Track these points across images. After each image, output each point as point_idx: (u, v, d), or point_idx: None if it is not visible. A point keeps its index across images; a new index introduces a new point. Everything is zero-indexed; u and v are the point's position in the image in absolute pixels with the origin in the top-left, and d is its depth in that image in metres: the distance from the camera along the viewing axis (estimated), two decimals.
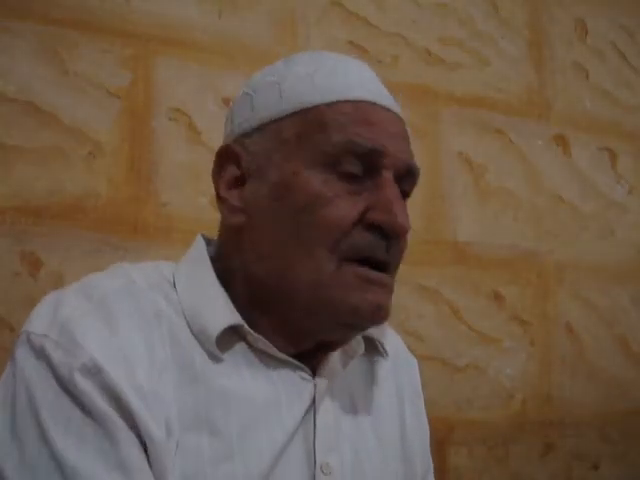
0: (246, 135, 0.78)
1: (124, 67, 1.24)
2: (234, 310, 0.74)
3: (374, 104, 0.75)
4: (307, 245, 0.72)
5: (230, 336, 0.73)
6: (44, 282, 1.14)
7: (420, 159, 1.64)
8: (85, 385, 0.66)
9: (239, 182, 0.78)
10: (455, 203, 1.52)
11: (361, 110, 0.74)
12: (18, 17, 1.17)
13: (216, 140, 1.30)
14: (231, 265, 0.77)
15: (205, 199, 1.26)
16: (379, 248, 0.72)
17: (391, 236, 0.72)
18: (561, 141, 1.67)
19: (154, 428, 0.66)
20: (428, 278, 1.47)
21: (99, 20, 1.23)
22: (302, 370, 0.76)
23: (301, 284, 0.72)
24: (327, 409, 0.77)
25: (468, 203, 1.53)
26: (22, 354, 0.68)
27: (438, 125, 1.53)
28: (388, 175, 0.73)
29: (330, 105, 0.74)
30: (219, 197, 0.79)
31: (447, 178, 1.51)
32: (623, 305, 1.69)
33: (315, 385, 0.76)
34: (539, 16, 1.68)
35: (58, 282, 1.14)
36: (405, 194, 0.77)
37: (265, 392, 0.73)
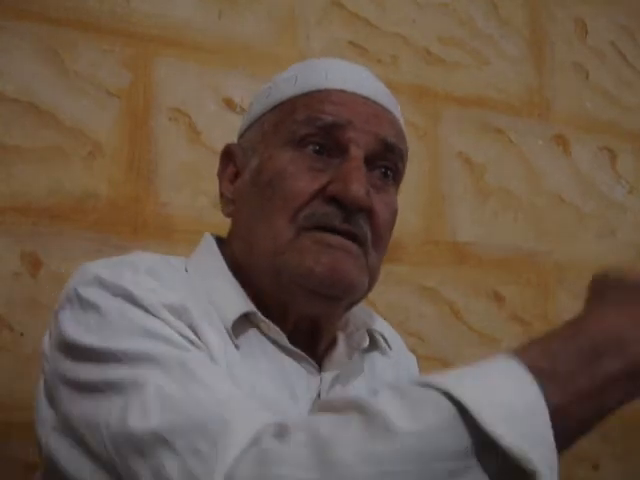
0: (242, 135, 0.84)
1: (124, 67, 1.24)
2: (247, 298, 0.76)
3: (348, 91, 0.77)
4: (268, 216, 0.74)
5: (244, 324, 0.75)
6: (44, 282, 1.14)
7: (420, 159, 1.65)
8: (174, 320, 0.67)
9: (236, 178, 0.82)
10: (455, 203, 1.51)
11: (331, 94, 0.77)
12: (17, 17, 1.17)
13: (216, 140, 1.30)
14: (232, 254, 0.80)
15: (205, 199, 1.26)
16: (336, 217, 0.73)
17: (347, 206, 0.72)
18: (561, 141, 1.67)
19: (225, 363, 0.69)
20: (428, 278, 1.47)
21: (99, 20, 1.23)
22: (309, 363, 0.77)
23: (262, 253, 0.75)
24: None
25: (468, 203, 1.53)
26: (94, 293, 0.69)
27: (438, 125, 1.53)
28: (355, 151, 0.74)
29: (304, 95, 0.77)
30: (220, 194, 0.83)
31: (447, 178, 1.51)
32: None
33: (321, 379, 0.77)
34: (539, 16, 1.68)
35: (58, 282, 1.13)
36: (388, 171, 0.78)
37: (279, 383, 0.74)
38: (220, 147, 1.32)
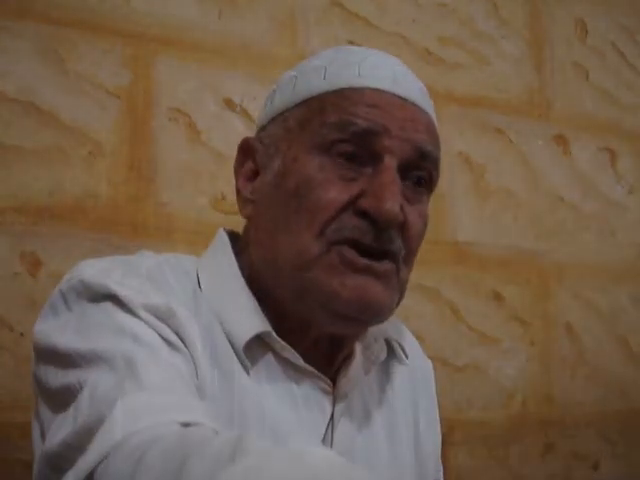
0: (263, 128, 0.77)
1: (124, 67, 1.24)
2: (262, 315, 0.72)
3: (383, 91, 0.72)
4: (295, 229, 0.70)
5: (258, 345, 0.71)
6: (44, 282, 1.14)
7: None
8: (154, 321, 0.65)
9: (255, 175, 0.77)
10: (455, 203, 1.51)
11: (364, 95, 0.71)
12: (18, 17, 1.17)
13: (216, 140, 1.30)
14: (250, 260, 0.75)
15: (205, 199, 1.26)
16: (367, 234, 0.68)
17: (378, 222, 0.68)
18: (561, 141, 1.67)
19: (211, 381, 0.66)
20: (428, 278, 1.47)
21: (99, 20, 1.23)
22: (323, 381, 0.74)
23: (286, 267, 0.70)
24: (344, 425, 0.75)
25: (468, 203, 1.53)
26: (72, 295, 0.67)
27: (438, 125, 1.52)
28: (389, 160, 0.69)
29: (334, 92, 0.72)
30: (237, 191, 0.78)
31: (447, 178, 1.51)
32: (623, 305, 1.69)
33: (335, 397, 0.74)
34: (539, 16, 1.68)
35: (58, 282, 1.13)
36: (422, 181, 0.74)
37: (290, 406, 0.71)
38: (220, 147, 1.32)
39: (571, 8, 1.72)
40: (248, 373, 0.70)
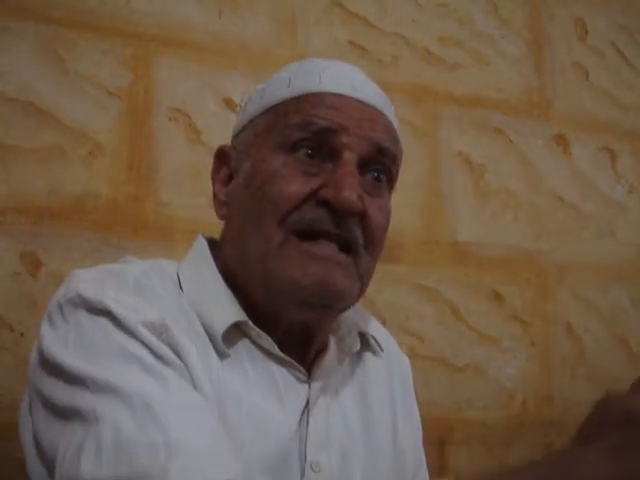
0: (236, 136, 0.84)
1: (124, 67, 1.24)
2: (238, 306, 0.76)
3: (342, 95, 0.77)
4: (258, 219, 0.75)
5: (235, 333, 0.75)
6: (44, 282, 1.14)
7: (420, 159, 1.64)
8: (151, 338, 0.68)
9: (229, 180, 0.82)
10: (455, 203, 1.51)
11: (324, 98, 0.77)
12: (18, 17, 1.17)
13: (216, 140, 1.30)
14: (225, 258, 0.80)
15: (205, 199, 1.26)
16: (327, 222, 0.73)
17: (338, 210, 0.73)
18: (561, 141, 1.67)
19: (208, 390, 0.69)
20: (428, 278, 1.47)
21: (99, 20, 1.23)
22: (298, 371, 0.77)
23: (253, 258, 0.75)
24: (320, 409, 0.78)
25: (468, 203, 1.53)
26: (74, 310, 0.70)
27: (438, 125, 1.53)
28: (348, 156, 0.74)
29: (297, 97, 0.77)
30: (214, 195, 0.84)
31: (447, 178, 1.51)
32: (623, 305, 1.69)
33: (309, 386, 0.78)
34: (539, 16, 1.68)
35: (58, 282, 1.13)
36: (381, 175, 0.78)
37: (267, 392, 0.74)
38: None
39: (571, 8, 1.73)
40: (225, 361, 0.73)
